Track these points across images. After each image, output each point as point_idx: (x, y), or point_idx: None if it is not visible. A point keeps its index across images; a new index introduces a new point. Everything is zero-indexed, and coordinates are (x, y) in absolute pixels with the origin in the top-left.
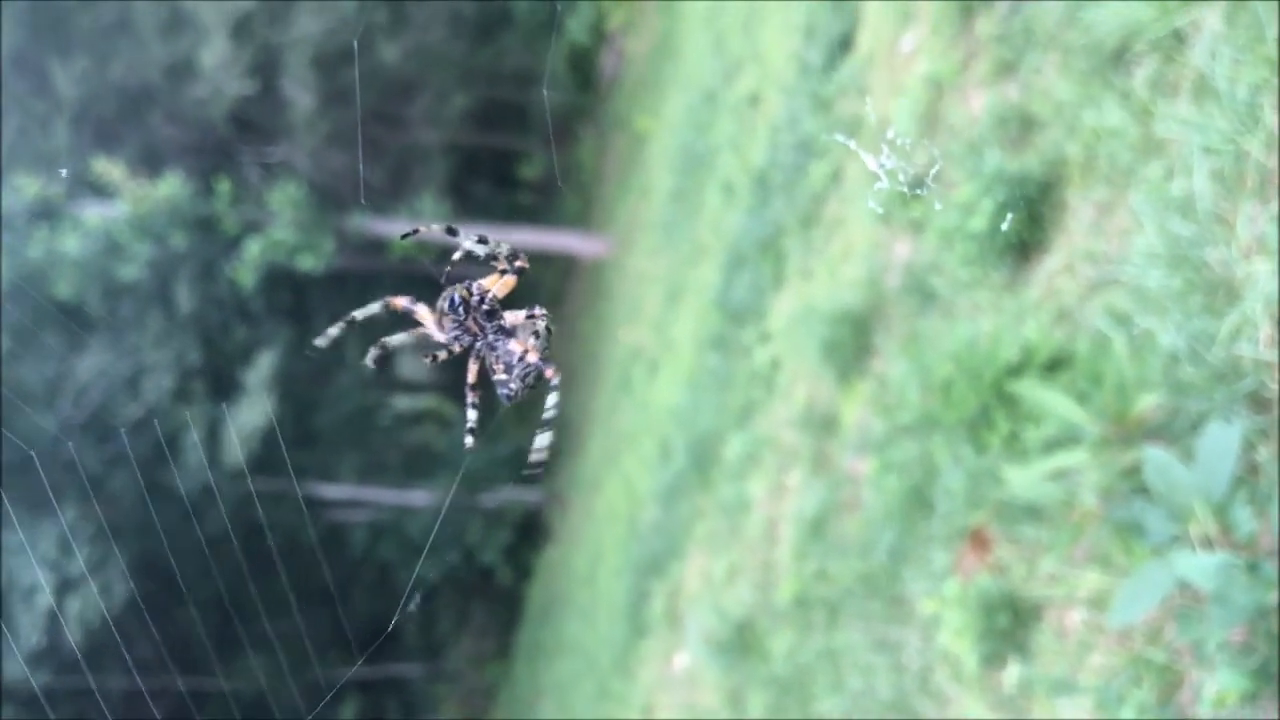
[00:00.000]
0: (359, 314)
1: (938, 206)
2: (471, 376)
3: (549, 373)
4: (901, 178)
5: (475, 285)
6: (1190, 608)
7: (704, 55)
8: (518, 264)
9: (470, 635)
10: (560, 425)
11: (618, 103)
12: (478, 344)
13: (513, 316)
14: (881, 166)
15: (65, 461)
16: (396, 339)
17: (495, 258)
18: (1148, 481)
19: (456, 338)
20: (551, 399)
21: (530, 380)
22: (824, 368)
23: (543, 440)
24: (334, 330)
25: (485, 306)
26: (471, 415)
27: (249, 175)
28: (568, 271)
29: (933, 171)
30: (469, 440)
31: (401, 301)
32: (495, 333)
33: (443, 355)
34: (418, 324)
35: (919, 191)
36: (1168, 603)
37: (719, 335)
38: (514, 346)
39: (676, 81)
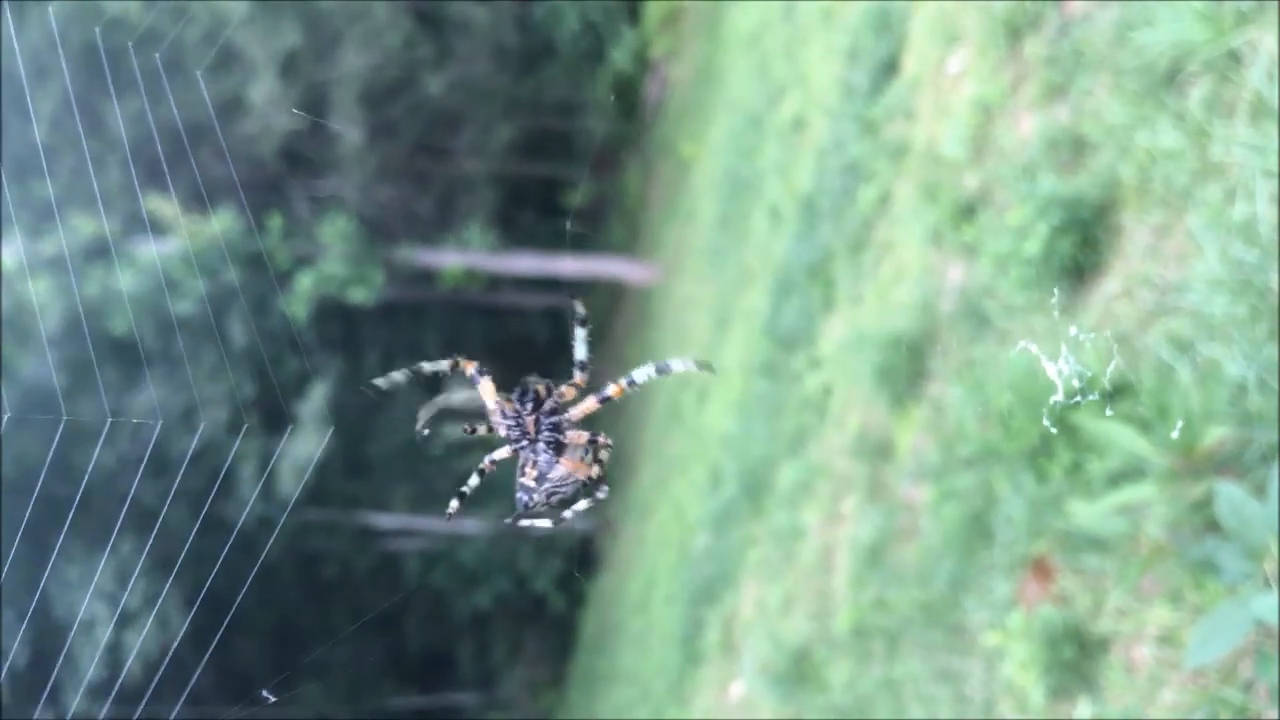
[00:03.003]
0: (427, 366)
1: (1108, 413)
2: (499, 454)
3: (600, 493)
4: (1076, 382)
5: (557, 391)
6: (1266, 646)
7: (747, 80)
8: (608, 394)
9: (524, 663)
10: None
11: (662, 129)
12: (524, 444)
13: (575, 435)
14: (1060, 373)
15: (121, 495)
16: (457, 398)
17: (585, 367)
18: (1219, 517)
19: (509, 429)
20: (582, 504)
21: (553, 502)
22: (877, 393)
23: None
24: (397, 375)
25: (553, 417)
26: (474, 480)
27: (299, 210)
28: (615, 298)
29: (1109, 370)
30: (454, 504)
31: (471, 367)
32: (548, 444)
33: (482, 431)
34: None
35: (1092, 397)
36: (1243, 640)
37: (768, 361)
38: (562, 468)
39: (720, 107)
